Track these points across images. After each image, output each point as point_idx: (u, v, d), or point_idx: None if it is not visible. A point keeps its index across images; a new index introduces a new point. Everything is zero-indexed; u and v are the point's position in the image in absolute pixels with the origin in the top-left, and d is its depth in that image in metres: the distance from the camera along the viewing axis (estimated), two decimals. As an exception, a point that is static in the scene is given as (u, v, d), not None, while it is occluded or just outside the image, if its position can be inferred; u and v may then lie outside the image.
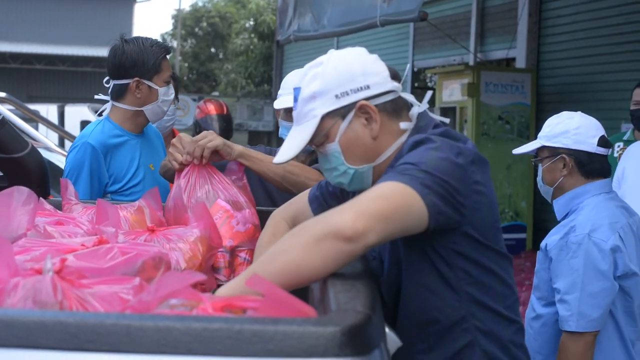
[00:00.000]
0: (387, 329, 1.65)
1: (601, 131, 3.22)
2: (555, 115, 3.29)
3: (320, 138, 2.10)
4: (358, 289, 1.58)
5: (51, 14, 31.43)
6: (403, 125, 2.12)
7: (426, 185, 1.85)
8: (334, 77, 2.08)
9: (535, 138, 3.35)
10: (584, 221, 3.10)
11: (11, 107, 7.59)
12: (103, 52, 30.24)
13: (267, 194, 3.08)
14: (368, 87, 2.08)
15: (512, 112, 8.85)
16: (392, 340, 1.68)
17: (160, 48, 3.44)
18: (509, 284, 2.13)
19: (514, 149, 3.57)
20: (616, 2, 8.29)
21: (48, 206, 2.51)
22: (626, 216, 3.17)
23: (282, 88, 3.28)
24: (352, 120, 2.08)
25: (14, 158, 2.88)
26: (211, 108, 7.14)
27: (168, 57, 3.49)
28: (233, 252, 2.57)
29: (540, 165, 3.29)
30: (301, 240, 1.73)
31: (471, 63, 10.30)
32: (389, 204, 1.79)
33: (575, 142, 3.17)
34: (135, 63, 3.38)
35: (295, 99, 2.13)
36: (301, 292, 2.11)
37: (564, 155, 3.19)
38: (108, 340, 1.26)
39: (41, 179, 2.95)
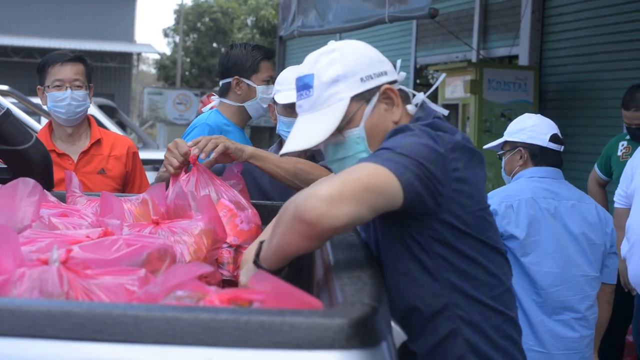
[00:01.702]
0: (392, 323, 1.65)
1: (555, 130, 3.74)
2: (519, 117, 3.86)
3: (342, 123, 2.08)
4: (364, 282, 1.58)
5: (53, 8, 31.42)
6: (409, 107, 2.16)
7: (402, 165, 1.86)
8: (356, 61, 2.09)
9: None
10: (490, 193, 3.63)
11: (14, 100, 7.58)
12: (105, 46, 30.40)
13: (264, 196, 3.07)
14: (386, 72, 2.13)
15: (515, 109, 8.82)
16: (398, 333, 1.68)
17: (259, 51, 3.87)
18: (495, 273, 2.09)
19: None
20: (620, 0, 8.28)
21: (52, 198, 2.51)
22: (540, 195, 3.61)
23: (278, 84, 3.37)
24: (376, 104, 2.10)
25: (18, 150, 2.87)
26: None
27: (269, 61, 3.89)
28: (237, 249, 2.57)
29: (503, 157, 3.83)
30: (283, 220, 1.84)
31: (474, 60, 10.27)
32: (357, 184, 1.78)
33: (530, 137, 3.71)
34: (235, 63, 3.84)
35: (308, 86, 2.10)
36: (307, 284, 2.12)
37: (520, 148, 3.73)
38: (115, 330, 1.26)
39: (45, 171, 2.94)
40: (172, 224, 2.32)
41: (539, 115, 3.87)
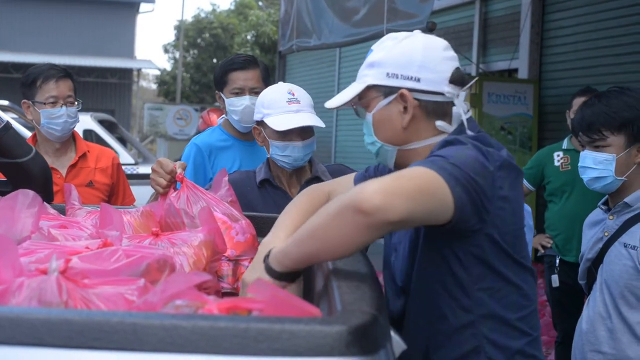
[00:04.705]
0: (392, 332, 1.65)
1: None
2: None
3: (362, 102, 2.19)
4: (364, 290, 1.58)
5: (54, 25, 31.50)
6: (439, 123, 2.13)
7: (455, 177, 1.84)
8: (395, 57, 2.12)
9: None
10: None
11: (14, 115, 7.63)
12: (105, 62, 30.42)
13: (252, 210, 3.05)
14: (418, 79, 2.10)
15: (515, 122, 8.85)
16: (397, 343, 1.68)
17: (230, 62, 3.85)
18: (526, 294, 2.09)
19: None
20: (618, 14, 8.30)
21: (52, 210, 2.51)
22: None
23: (266, 107, 3.22)
24: (391, 102, 2.13)
25: (18, 163, 2.87)
26: (214, 118, 7.20)
27: (241, 71, 3.80)
28: (236, 262, 2.57)
29: None
30: (329, 211, 1.79)
31: (473, 73, 10.30)
32: (414, 184, 1.77)
33: None
34: (214, 78, 3.95)
35: (366, 58, 2.21)
36: (306, 293, 2.12)
37: None
38: (114, 338, 1.25)
39: (45, 183, 2.94)
40: (172, 235, 2.32)
41: None
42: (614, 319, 3.05)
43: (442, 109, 2.13)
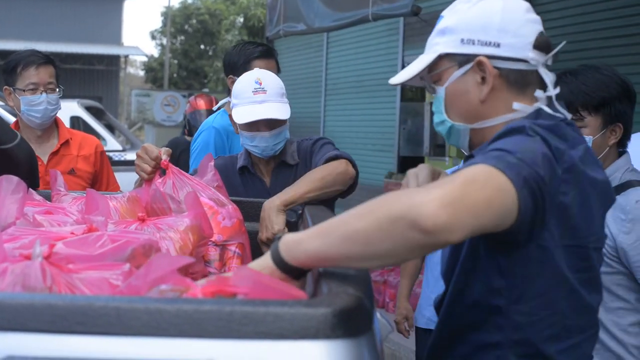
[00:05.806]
0: (378, 315, 1.65)
1: None
2: None
3: (433, 76, 1.95)
4: (349, 273, 1.57)
5: (40, 12, 31.34)
6: (516, 105, 1.87)
7: (523, 178, 1.58)
8: (470, 20, 1.88)
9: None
10: None
11: (0, 102, 7.58)
12: (92, 49, 30.30)
13: (236, 195, 3.04)
14: (498, 45, 1.86)
15: (502, 106, 8.84)
16: (384, 326, 1.68)
17: (252, 49, 3.89)
18: (571, 324, 1.81)
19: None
20: (606, -3, 8.31)
21: (37, 197, 2.50)
22: None
23: (235, 96, 3.21)
24: (467, 72, 1.89)
25: (3, 149, 2.86)
26: (201, 103, 7.18)
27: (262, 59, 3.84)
28: (223, 246, 2.56)
29: None
30: (378, 214, 1.47)
31: (461, 58, 10.29)
32: (483, 196, 1.50)
33: None
34: (229, 62, 3.96)
35: (435, 26, 1.98)
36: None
37: None
38: (98, 323, 1.25)
39: (30, 170, 2.93)
40: (158, 220, 2.31)
41: None
42: None
43: (525, 79, 1.88)
